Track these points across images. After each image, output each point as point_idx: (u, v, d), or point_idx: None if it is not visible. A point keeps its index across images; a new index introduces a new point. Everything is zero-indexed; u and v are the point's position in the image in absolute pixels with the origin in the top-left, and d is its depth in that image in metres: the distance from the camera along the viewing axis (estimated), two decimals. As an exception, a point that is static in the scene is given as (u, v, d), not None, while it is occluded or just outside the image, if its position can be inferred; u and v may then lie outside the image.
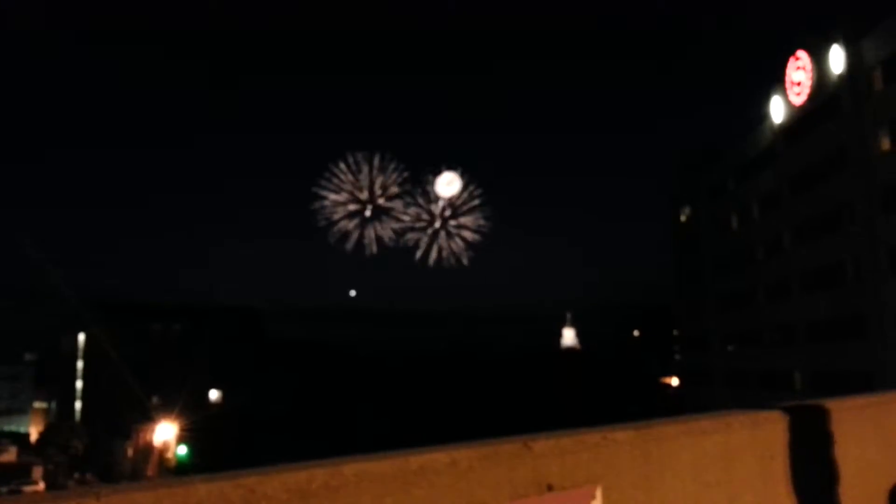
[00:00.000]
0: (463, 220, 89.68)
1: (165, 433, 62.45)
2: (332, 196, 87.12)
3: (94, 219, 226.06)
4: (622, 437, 2.02)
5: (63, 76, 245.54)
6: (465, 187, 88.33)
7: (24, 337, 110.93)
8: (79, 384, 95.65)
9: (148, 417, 64.21)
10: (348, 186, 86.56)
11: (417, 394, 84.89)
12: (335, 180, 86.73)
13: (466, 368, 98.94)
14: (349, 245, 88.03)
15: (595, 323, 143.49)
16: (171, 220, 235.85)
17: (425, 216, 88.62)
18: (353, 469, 1.52)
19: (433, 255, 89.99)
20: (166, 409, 62.97)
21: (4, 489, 50.43)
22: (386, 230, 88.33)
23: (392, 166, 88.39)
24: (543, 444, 1.84)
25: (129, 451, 69.22)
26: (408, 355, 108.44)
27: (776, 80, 50.41)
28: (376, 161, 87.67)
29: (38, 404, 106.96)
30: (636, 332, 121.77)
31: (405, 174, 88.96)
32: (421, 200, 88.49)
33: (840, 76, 42.65)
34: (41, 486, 57.09)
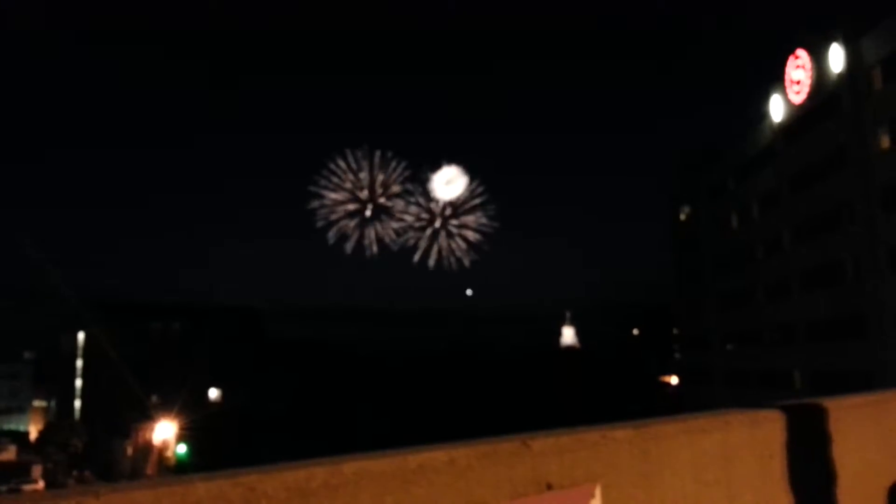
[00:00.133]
0: (464, 219, 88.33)
1: (165, 432, 62.46)
2: (332, 195, 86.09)
3: (94, 219, 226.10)
4: (621, 436, 2.03)
5: (63, 76, 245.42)
6: (467, 185, 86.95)
7: (23, 336, 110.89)
8: (78, 383, 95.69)
9: (147, 416, 64.24)
10: (348, 185, 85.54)
11: (417, 393, 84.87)
12: (334, 179, 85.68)
13: (466, 368, 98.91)
14: (349, 246, 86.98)
15: (595, 322, 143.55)
16: (171, 220, 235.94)
17: (424, 215, 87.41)
18: (352, 468, 1.52)
19: (433, 256, 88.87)
20: (166, 407, 63.00)
21: (4, 488, 50.45)
22: (387, 230, 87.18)
23: (393, 164, 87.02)
24: (542, 443, 1.84)
25: (129, 450, 69.22)
26: (408, 355, 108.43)
27: (776, 79, 50.42)
28: (377, 158, 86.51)
29: (37, 403, 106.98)
30: (636, 331, 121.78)
31: (407, 172, 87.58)
32: (420, 199, 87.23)
33: (840, 75, 42.65)
34: (41, 484, 57.08)
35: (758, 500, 2.39)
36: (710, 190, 61.60)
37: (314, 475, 1.47)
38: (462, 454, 1.69)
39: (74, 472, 66.08)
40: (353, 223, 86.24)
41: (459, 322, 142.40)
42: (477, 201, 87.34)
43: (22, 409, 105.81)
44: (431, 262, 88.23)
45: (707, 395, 57.11)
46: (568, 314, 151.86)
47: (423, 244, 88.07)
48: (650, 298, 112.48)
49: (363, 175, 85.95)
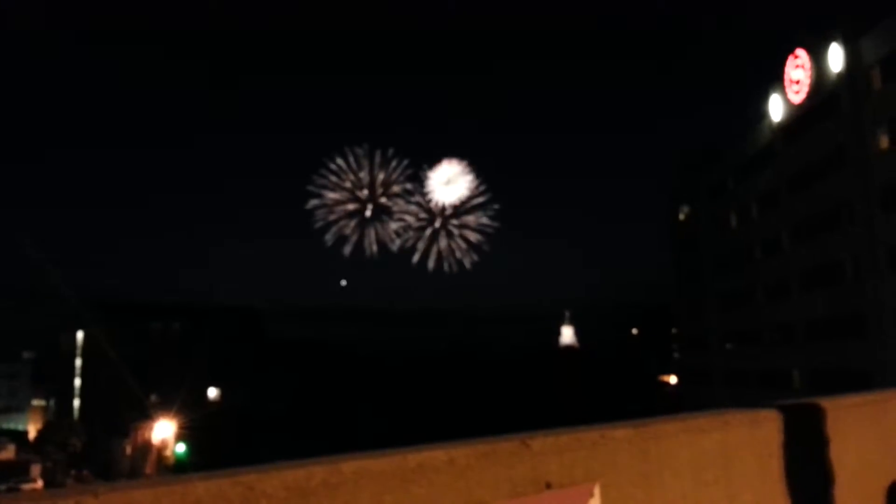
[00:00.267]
0: (465, 219, 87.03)
1: (164, 431, 62.42)
2: (331, 195, 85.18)
3: (93, 219, 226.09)
4: (621, 436, 2.03)
5: (63, 76, 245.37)
6: (467, 185, 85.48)
7: (22, 335, 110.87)
8: (77, 382, 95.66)
9: (146, 416, 64.18)
10: (348, 185, 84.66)
11: (417, 393, 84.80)
12: (333, 178, 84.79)
13: (466, 368, 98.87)
14: (348, 248, 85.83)
15: (594, 322, 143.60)
16: (171, 220, 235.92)
17: (423, 215, 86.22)
18: (351, 467, 1.52)
19: (433, 257, 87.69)
20: (165, 407, 62.95)
21: (3, 487, 50.44)
22: (387, 230, 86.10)
23: (393, 163, 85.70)
24: (542, 443, 1.84)
25: (128, 450, 69.20)
26: (408, 355, 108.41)
27: (775, 79, 50.44)
28: (377, 157, 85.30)
29: (36, 402, 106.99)
30: (635, 331, 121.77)
31: (409, 171, 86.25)
32: (421, 199, 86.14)
33: (839, 75, 42.67)
34: (40, 483, 57.06)
35: (757, 499, 2.39)
36: (710, 190, 61.62)
37: (313, 474, 1.47)
38: (461, 454, 1.69)
39: (73, 472, 66.08)
40: (352, 223, 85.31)
41: (459, 322, 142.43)
42: (478, 201, 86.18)
43: (21, 408, 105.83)
44: (431, 263, 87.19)
45: (706, 394, 57.14)
46: (567, 314, 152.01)
47: (422, 245, 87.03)
48: (649, 298, 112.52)
49: (363, 174, 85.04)
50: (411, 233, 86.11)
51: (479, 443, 1.76)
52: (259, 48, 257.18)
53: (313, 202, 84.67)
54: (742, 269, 55.72)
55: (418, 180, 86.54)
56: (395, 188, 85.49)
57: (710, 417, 2.35)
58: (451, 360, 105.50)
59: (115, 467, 68.10)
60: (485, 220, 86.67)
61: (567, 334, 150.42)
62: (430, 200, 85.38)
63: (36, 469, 61.10)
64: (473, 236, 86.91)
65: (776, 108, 50.53)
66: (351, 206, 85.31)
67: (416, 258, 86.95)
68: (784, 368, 48.67)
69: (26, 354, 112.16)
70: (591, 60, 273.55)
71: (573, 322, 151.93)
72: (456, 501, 1.65)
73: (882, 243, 39.21)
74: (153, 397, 70.20)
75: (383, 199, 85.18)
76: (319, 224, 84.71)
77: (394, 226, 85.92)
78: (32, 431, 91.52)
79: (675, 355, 75.55)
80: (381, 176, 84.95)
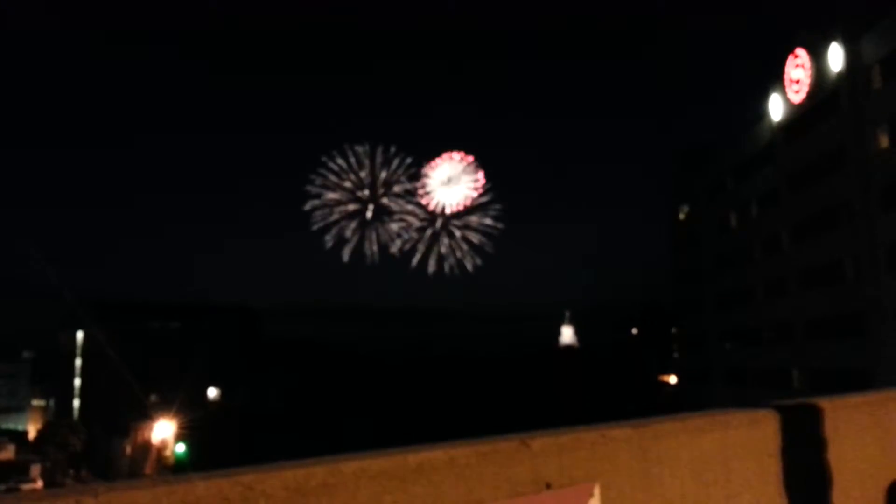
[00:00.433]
0: (467, 219, 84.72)
1: (164, 431, 62.44)
2: (331, 195, 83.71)
3: (93, 219, 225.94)
4: (620, 435, 2.03)
5: (63, 76, 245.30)
6: (468, 185, 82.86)
7: (22, 335, 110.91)
8: (77, 382, 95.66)
9: (146, 416, 64.19)
10: (348, 185, 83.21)
11: (417, 393, 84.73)
12: (333, 178, 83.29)
13: (466, 368, 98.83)
14: (347, 251, 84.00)
15: (593, 321, 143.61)
16: (171, 220, 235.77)
17: (422, 215, 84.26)
18: (351, 467, 1.52)
19: (433, 259, 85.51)
20: (164, 407, 62.96)
21: (3, 487, 50.49)
22: (388, 232, 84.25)
23: (396, 161, 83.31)
24: (542, 442, 1.84)
25: (128, 450, 69.23)
26: (407, 355, 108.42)
27: (775, 79, 50.46)
28: (378, 156, 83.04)
29: (36, 402, 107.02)
30: (634, 331, 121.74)
31: (412, 170, 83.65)
32: (419, 200, 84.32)
33: (839, 74, 42.69)
34: (39, 483, 57.10)
35: (757, 499, 2.39)
36: (709, 189, 61.64)
37: (313, 474, 1.47)
38: (461, 453, 1.69)
39: (71, 471, 66.12)
40: (353, 224, 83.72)
41: (459, 322, 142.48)
42: (480, 201, 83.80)
43: (20, 408, 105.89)
44: (431, 266, 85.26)
45: (706, 394, 57.16)
46: (567, 314, 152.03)
47: (421, 247, 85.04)
48: (649, 298, 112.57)
49: (364, 174, 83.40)
50: (413, 234, 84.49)
51: (478, 443, 1.76)
52: (259, 48, 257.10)
53: (313, 203, 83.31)
54: (742, 269, 55.74)
55: (418, 180, 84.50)
56: (396, 188, 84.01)
57: (709, 417, 2.35)
58: (451, 359, 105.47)
59: (115, 467, 68.15)
60: (488, 222, 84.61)
61: (567, 334, 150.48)
62: (427, 204, 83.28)
63: (36, 469, 61.18)
64: (476, 238, 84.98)
65: (776, 108, 50.54)
66: (351, 207, 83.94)
67: (416, 260, 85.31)
68: (784, 368, 48.69)
69: (26, 354, 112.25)
70: (590, 60, 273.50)
71: (573, 322, 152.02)
72: (456, 501, 1.65)
73: (882, 242, 39.23)
74: (153, 397, 70.22)
75: (385, 200, 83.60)
76: (319, 225, 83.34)
77: (394, 226, 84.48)
78: (32, 431, 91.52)
79: (675, 355, 75.56)
80: (382, 175, 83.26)
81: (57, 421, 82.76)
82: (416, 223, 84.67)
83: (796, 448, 2.53)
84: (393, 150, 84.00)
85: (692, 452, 2.22)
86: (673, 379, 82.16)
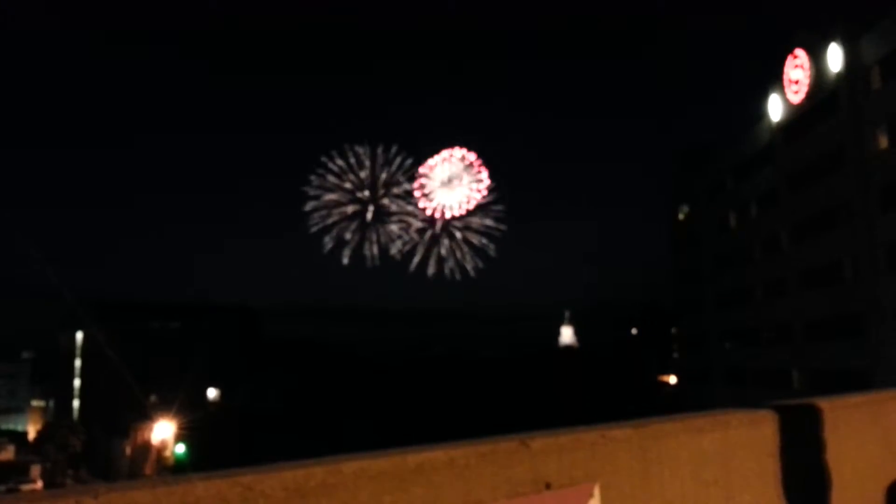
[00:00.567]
0: (468, 220, 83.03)
1: (163, 432, 62.43)
2: (331, 196, 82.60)
3: (93, 219, 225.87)
4: (620, 436, 2.03)
5: (63, 76, 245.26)
6: (469, 184, 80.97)
7: (22, 335, 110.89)
8: (77, 382, 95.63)
9: (146, 416, 64.17)
10: (348, 185, 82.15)
11: (416, 393, 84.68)
12: (333, 179, 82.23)
13: (466, 368, 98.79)
14: (346, 254, 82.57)
15: (593, 321, 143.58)
16: (171, 220, 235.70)
17: (424, 217, 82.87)
18: (351, 467, 1.52)
19: (433, 261, 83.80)
20: (164, 407, 62.95)
21: (3, 487, 50.49)
22: (388, 234, 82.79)
23: (397, 161, 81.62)
24: (541, 443, 1.84)
25: (127, 450, 69.22)
26: (407, 355, 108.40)
27: (774, 79, 50.48)
28: (379, 155, 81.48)
29: (35, 403, 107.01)
30: (634, 331, 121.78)
31: (412, 170, 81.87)
32: (418, 202, 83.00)
33: (838, 74, 42.71)
34: (39, 484, 57.10)
35: (756, 499, 2.39)
36: (709, 189, 61.68)
37: (313, 475, 1.47)
38: (461, 454, 1.69)
39: (70, 472, 66.11)
40: (353, 226, 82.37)
41: (459, 322, 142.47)
42: (482, 202, 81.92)
43: (20, 408, 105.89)
44: (431, 269, 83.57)
45: (706, 394, 57.18)
46: (567, 314, 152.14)
47: (421, 249, 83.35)
48: (649, 298, 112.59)
49: (364, 174, 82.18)
50: (413, 235, 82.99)
51: (478, 443, 1.76)
52: (259, 48, 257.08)
53: (312, 204, 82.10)
54: (741, 269, 55.77)
55: (418, 181, 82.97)
56: (396, 190, 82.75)
57: (709, 417, 2.35)
58: (451, 360, 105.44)
59: (115, 468, 68.14)
60: (489, 223, 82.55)
61: (567, 334, 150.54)
62: (425, 209, 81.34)
63: (35, 469, 61.20)
64: (477, 239, 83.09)
65: (775, 108, 50.57)
66: (351, 209, 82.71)
67: (415, 263, 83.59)
68: (783, 368, 48.71)
69: (25, 354, 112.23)
70: (590, 60, 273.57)
71: (573, 322, 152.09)
72: (455, 501, 1.65)
73: (881, 243, 39.25)
74: (152, 398, 70.21)
75: (385, 200, 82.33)
76: (318, 227, 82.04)
77: (394, 227, 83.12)
78: (32, 432, 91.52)
79: (675, 355, 75.58)
80: (383, 176, 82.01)
81: (57, 421, 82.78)
82: (417, 224, 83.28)
83: (796, 448, 2.53)
84: (394, 149, 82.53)
85: (692, 452, 2.23)
86: (673, 379, 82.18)
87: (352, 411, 76.40)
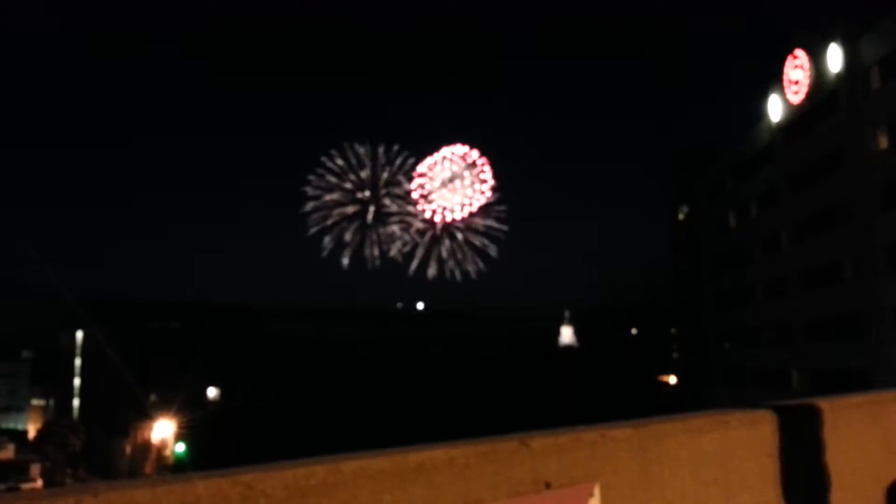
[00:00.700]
0: (470, 221, 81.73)
1: (163, 431, 62.45)
2: (330, 197, 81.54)
3: (93, 219, 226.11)
4: (620, 435, 2.03)
5: (63, 77, 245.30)
6: (470, 185, 79.40)
7: (22, 334, 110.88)
8: (77, 382, 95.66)
9: (146, 415, 64.19)
10: (349, 185, 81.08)
11: (416, 393, 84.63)
12: (332, 179, 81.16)
13: (465, 367, 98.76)
14: (346, 256, 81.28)
15: (593, 321, 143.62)
16: (171, 220, 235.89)
17: (418, 215, 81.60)
18: (351, 466, 1.52)
19: (433, 263, 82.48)
20: (164, 406, 62.97)
21: (3, 486, 50.51)
22: (389, 235, 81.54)
23: (399, 160, 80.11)
24: (541, 442, 1.84)
25: (127, 449, 69.23)
26: (407, 355, 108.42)
27: (774, 79, 50.49)
28: (380, 155, 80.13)
29: (35, 402, 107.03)
30: (634, 331, 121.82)
31: (413, 170, 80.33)
32: (418, 203, 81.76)
33: (838, 75, 42.71)
34: (39, 483, 57.11)
35: (756, 499, 2.39)
36: (709, 190, 61.69)
37: (313, 473, 1.47)
38: (461, 453, 1.69)
39: (69, 470, 66.13)
40: (353, 227, 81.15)
41: (459, 322, 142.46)
42: (483, 202, 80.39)
43: (20, 407, 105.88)
44: (432, 271, 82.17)
45: (706, 394, 57.19)
46: (567, 314, 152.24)
47: (421, 250, 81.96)
48: (649, 298, 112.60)
49: (365, 173, 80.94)
50: (414, 235, 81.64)
51: (478, 442, 1.76)
52: (259, 48, 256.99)
53: (312, 204, 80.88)
54: (741, 269, 55.78)
55: (417, 181, 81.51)
56: (397, 190, 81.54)
57: (708, 417, 2.35)
58: (451, 360, 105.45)
59: (115, 467, 68.16)
60: (492, 223, 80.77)
61: (567, 334, 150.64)
62: (423, 211, 79.91)
63: (35, 468, 61.21)
64: (478, 240, 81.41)
65: (775, 109, 50.57)
66: (350, 210, 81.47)
67: (414, 265, 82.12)
68: (783, 368, 48.72)
69: (25, 354, 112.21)
70: (590, 61, 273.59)
71: (573, 322, 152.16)
72: (455, 501, 1.65)
73: (881, 243, 39.25)
74: (153, 397, 70.22)
75: (386, 201, 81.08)
76: (317, 227, 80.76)
77: (395, 228, 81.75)
78: (32, 431, 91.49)
79: (675, 355, 75.56)
80: (384, 175, 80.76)
81: (57, 420, 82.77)
82: (418, 224, 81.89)
83: (796, 448, 2.53)
84: (396, 148, 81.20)
85: (692, 452, 2.23)
86: (673, 379, 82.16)
87: (352, 411, 76.38)
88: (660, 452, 2.12)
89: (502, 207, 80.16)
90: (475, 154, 77.28)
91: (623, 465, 2.02)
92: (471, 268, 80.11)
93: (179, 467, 53.98)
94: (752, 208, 54.87)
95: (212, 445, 52.90)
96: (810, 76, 46.06)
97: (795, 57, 47.80)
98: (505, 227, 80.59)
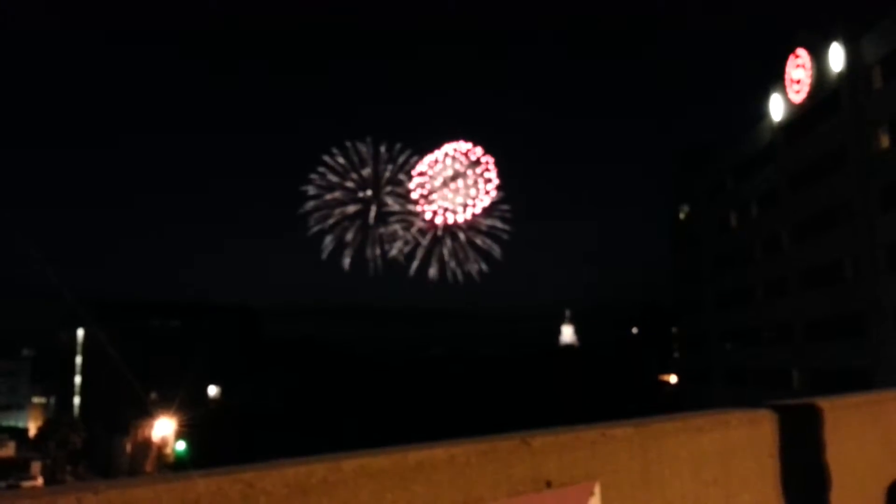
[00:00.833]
0: (472, 220, 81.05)
1: (164, 429, 62.45)
2: (330, 196, 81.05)
3: (93, 219, 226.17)
4: (620, 434, 2.03)
5: (63, 76, 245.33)
6: (471, 184, 78.63)
7: (22, 333, 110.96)
8: (77, 380, 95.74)
9: (146, 413, 64.18)
10: (350, 184, 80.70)
11: (417, 392, 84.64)
12: (332, 178, 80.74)
13: (465, 366, 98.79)
14: (347, 258, 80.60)
15: (594, 321, 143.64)
16: (171, 220, 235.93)
17: (423, 219, 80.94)
18: (351, 464, 1.52)
19: (434, 264, 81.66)
20: (165, 405, 62.95)
21: (3, 484, 50.54)
22: (391, 236, 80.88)
23: (401, 159, 79.21)
24: (542, 441, 1.84)
25: (128, 447, 69.24)
26: (407, 354, 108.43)
27: (776, 79, 50.44)
28: (383, 153, 79.38)
29: (36, 399, 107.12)
30: (635, 330, 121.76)
31: (412, 172, 79.61)
32: (420, 201, 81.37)
33: (839, 74, 42.67)
34: (40, 480, 57.11)
35: (756, 498, 2.39)
36: (709, 189, 61.63)
37: (314, 472, 1.47)
38: (461, 452, 1.69)
39: (70, 468, 66.17)
40: (354, 227, 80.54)
41: (460, 321, 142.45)
42: (485, 203, 79.42)
43: (21, 405, 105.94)
44: (433, 272, 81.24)
45: (706, 393, 57.16)
46: (567, 313, 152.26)
47: (422, 251, 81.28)
48: (649, 297, 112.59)
49: (366, 171, 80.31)
50: (415, 235, 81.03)
51: (479, 441, 1.76)
52: (259, 48, 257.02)
53: (312, 204, 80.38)
54: (742, 268, 55.74)
55: (419, 182, 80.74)
56: (399, 189, 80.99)
57: (709, 417, 2.35)
58: (451, 359, 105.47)
59: (115, 465, 68.19)
60: (496, 223, 79.57)
61: (567, 333, 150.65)
62: (423, 212, 79.04)
63: (36, 466, 61.18)
64: (481, 241, 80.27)
65: (777, 108, 50.52)
66: (351, 209, 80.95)
67: (414, 266, 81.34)
68: (784, 368, 48.69)
69: (26, 352, 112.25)
70: (589, 61, 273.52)
71: (573, 321, 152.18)
72: (456, 499, 1.65)
73: (882, 243, 39.22)
74: (153, 395, 70.20)
75: (389, 199, 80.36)
76: (317, 228, 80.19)
77: (397, 227, 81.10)
78: (33, 429, 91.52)
79: (675, 355, 75.53)
80: (386, 174, 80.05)
81: (57, 418, 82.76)
82: (419, 224, 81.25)
83: (796, 448, 2.53)
84: (398, 146, 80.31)
85: (692, 452, 2.23)
86: (673, 379, 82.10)
87: (352, 410, 76.41)
88: (660, 452, 2.12)
89: (506, 207, 78.78)
90: (479, 151, 76.13)
91: (623, 464, 2.02)
92: (473, 268, 79.28)
93: (180, 465, 53.99)
94: (752, 208, 54.81)
95: (212, 444, 52.93)
96: (812, 75, 46.02)
97: (797, 56, 47.75)
98: (509, 228, 79.40)
